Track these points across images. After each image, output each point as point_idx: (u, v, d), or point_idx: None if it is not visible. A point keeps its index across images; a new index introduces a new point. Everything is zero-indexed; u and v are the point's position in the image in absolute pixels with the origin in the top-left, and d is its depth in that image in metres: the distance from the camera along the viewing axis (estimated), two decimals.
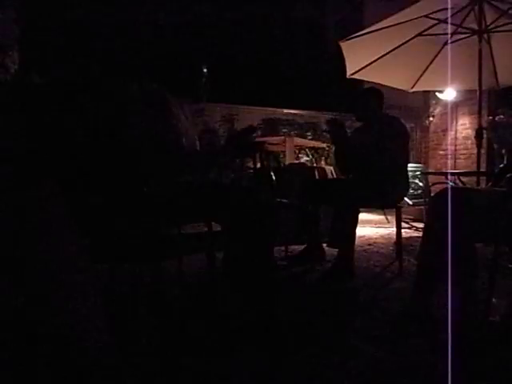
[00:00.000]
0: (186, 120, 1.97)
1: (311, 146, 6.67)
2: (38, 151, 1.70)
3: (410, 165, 2.92)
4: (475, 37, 3.77)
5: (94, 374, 0.94)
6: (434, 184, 4.81)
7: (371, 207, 3.92)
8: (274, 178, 3.23)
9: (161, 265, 2.09)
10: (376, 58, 4.10)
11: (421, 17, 3.66)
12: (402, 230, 2.92)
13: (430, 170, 6.93)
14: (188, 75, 2.07)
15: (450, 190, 1.55)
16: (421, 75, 4.39)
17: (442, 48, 4.12)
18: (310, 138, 7.13)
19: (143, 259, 2.09)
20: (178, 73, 2.08)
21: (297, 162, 5.74)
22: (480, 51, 3.74)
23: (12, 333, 0.87)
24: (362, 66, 4.18)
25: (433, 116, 7.43)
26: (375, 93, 2.78)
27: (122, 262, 2.13)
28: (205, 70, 2.10)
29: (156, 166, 1.83)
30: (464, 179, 4.29)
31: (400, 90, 4.63)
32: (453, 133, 6.95)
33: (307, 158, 6.54)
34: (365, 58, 4.14)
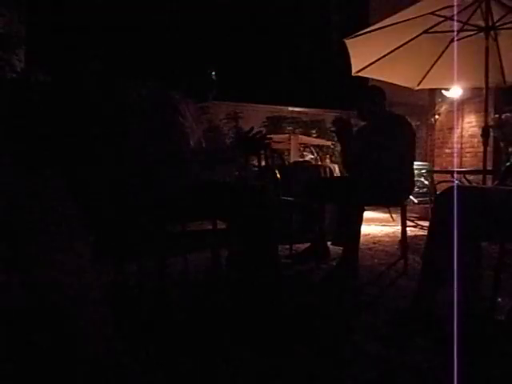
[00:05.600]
0: (191, 118, 1.97)
1: (316, 143, 6.67)
2: (40, 145, 1.72)
3: (415, 163, 2.91)
4: (482, 34, 3.74)
5: (99, 372, 0.94)
6: (439, 182, 4.80)
7: (376, 205, 3.91)
8: (278, 176, 3.23)
9: (166, 262, 2.10)
10: (381, 55, 4.07)
11: (427, 14, 3.63)
12: (407, 229, 2.91)
13: (436, 169, 6.90)
14: (194, 75, 2.06)
15: (455, 189, 1.54)
16: (427, 73, 4.35)
17: (448, 45, 4.08)
18: (314, 135, 7.13)
19: (149, 257, 2.10)
20: (183, 72, 2.07)
21: (301, 159, 5.74)
22: (487, 48, 3.70)
23: (13, 331, 0.88)
24: (367, 63, 4.16)
25: (439, 114, 7.38)
26: (379, 91, 2.77)
27: (128, 260, 2.14)
28: (213, 74, 2.09)
29: (161, 167, 1.84)
30: (470, 177, 4.27)
31: (405, 87, 4.60)
32: (459, 131, 6.90)
33: (312, 156, 6.53)
34: (370, 55, 4.11)
